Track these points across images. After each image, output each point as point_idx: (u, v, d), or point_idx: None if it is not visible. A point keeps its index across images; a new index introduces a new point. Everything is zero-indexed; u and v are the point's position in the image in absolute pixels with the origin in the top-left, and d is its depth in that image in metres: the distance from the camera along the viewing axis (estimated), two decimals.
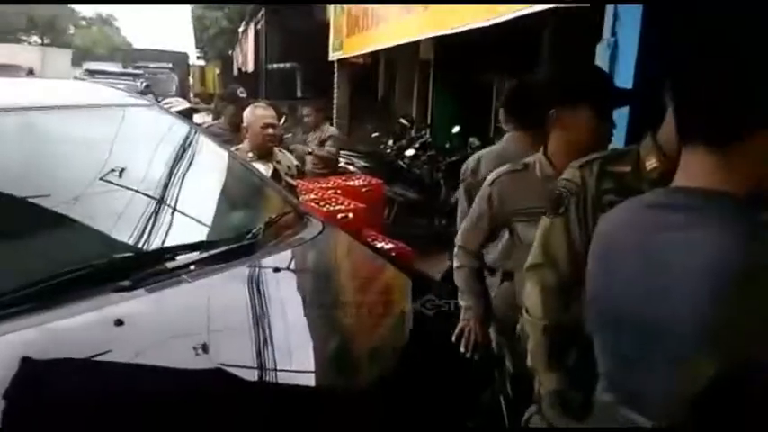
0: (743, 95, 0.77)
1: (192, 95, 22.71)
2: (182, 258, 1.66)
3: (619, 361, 0.91)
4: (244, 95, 4.08)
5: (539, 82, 2.40)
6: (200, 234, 1.86)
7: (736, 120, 0.78)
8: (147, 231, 1.74)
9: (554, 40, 5.19)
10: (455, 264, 2.01)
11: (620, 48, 2.37)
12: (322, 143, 4.91)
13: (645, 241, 0.85)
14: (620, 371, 0.91)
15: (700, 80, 0.82)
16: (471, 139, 6.57)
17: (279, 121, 3.39)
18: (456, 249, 2.02)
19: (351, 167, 6.31)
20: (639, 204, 0.92)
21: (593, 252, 0.98)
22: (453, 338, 1.83)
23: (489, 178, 1.94)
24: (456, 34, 4.36)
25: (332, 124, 6.51)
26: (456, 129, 6.74)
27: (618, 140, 2.29)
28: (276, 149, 3.04)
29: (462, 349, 1.81)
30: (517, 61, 6.62)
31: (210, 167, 2.29)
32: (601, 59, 2.44)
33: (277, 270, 1.80)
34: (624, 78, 2.22)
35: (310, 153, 4.92)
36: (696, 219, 0.79)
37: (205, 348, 1.39)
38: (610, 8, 2.47)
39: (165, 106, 3.47)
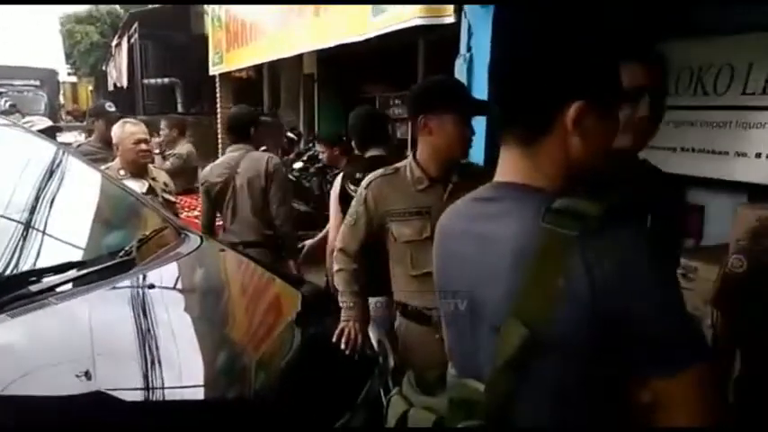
0: (537, 102, 0.91)
1: (63, 113, 21.19)
2: (47, 280, 1.61)
3: (456, 335, 1.04)
4: (112, 110, 3.91)
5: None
6: (69, 255, 1.81)
7: (533, 123, 0.92)
8: (11, 256, 1.67)
9: (426, 55, 5.48)
10: (335, 267, 2.09)
11: (474, 61, 2.58)
12: (165, 158, 4.86)
13: (470, 228, 0.99)
14: (458, 344, 1.03)
15: (505, 87, 0.96)
16: None
17: (151, 137, 3.31)
18: (336, 253, 2.10)
19: None
20: (469, 198, 1.06)
21: (435, 240, 1.11)
22: (334, 338, 1.91)
23: (364, 182, 2.05)
24: (337, 49, 4.47)
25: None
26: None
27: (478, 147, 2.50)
28: (150, 166, 2.98)
29: (343, 347, 1.89)
30: (396, 74, 6.90)
31: (77, 187, 2.21)
32: (459, 73, 2.64)
33: (152, 286, 1.79)
34: (479, 90, 2.42)
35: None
36: (506, 208, 0.93)
37: (86, 372, 1.35)
38: (465, 24, 2.69)
39: (26, 125, 3.27)
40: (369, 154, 2.80)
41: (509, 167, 0.97)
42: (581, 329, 0.83)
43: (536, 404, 0.88)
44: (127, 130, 2.85)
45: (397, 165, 2.03)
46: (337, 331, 1.93)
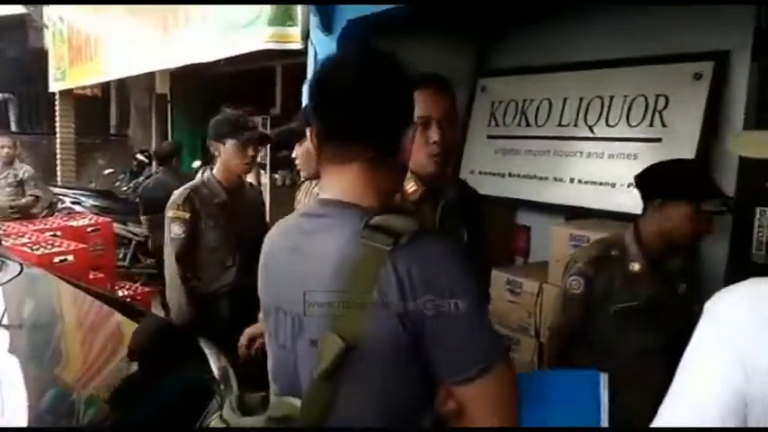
0: (393, 126, 0.98)
1: None
2: None
3: (277, 352, 1.04)
4: None
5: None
6: None
7: (358, 146, 0.97)
8: None
9: (283, 78, 5.51)
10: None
11: None
12: (20, 183, 4.60)
13: (292, 244, 1.01)
14: (279, 361, 1.04)
15: (354, 115, 0.97)
16: None
17: None
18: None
19: (78, 207, 5.78)
20: (297, 214, 1.09)
21: (261, 254, 1.12)
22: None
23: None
24: (192, 69, 4.35)
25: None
26: (197, 163, 6.63)
27: None
28: None
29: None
30: (254, 96, 6.85)
31: None
32: (306, 98, 2.70)
33: None
34: None
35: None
36: (329, 224, 0.97)
37: None
38: (311, 51, 2.76)
39: None
40: None
41: (337, 185, 1.00)
42: (393, 339, 0.87)
43: (351, 415, 0.90)
44: None
45: None
46: None
